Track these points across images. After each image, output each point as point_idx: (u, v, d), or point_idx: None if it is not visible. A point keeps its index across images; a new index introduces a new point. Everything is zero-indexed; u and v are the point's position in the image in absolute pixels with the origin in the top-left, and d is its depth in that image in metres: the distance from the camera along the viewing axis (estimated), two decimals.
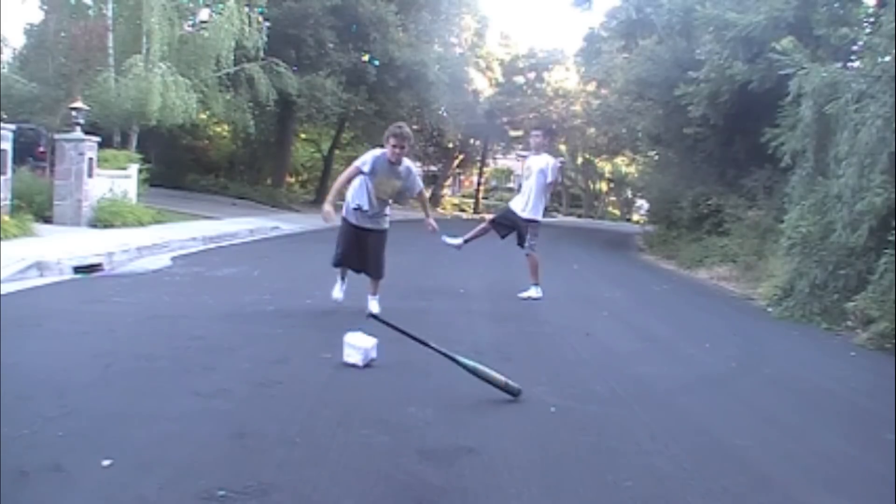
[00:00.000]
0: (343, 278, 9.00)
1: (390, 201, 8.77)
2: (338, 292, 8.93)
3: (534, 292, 11.19)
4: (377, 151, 8.42)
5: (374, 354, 6.31)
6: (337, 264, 8.87)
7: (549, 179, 11.22)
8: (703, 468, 4.58)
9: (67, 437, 4.14)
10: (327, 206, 8.34)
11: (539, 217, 11.36)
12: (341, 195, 8.62)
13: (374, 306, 8.35)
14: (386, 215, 8.77)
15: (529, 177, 11.39)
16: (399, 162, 8.33)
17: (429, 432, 4.80)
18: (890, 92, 10.90)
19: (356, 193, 8.49)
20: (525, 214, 11.28)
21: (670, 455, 4.74)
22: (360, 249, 8.64)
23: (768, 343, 9.92)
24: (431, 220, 9.21)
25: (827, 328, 11.07)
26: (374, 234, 8.63)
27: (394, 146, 8.17)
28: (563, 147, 61.06)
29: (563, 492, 4.02)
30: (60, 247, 11.40)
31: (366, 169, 8.28)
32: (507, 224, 11.58)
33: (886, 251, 10.22)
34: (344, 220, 8.69)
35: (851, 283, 11.25)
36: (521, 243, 11.44)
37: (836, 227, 11.44)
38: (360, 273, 8.85)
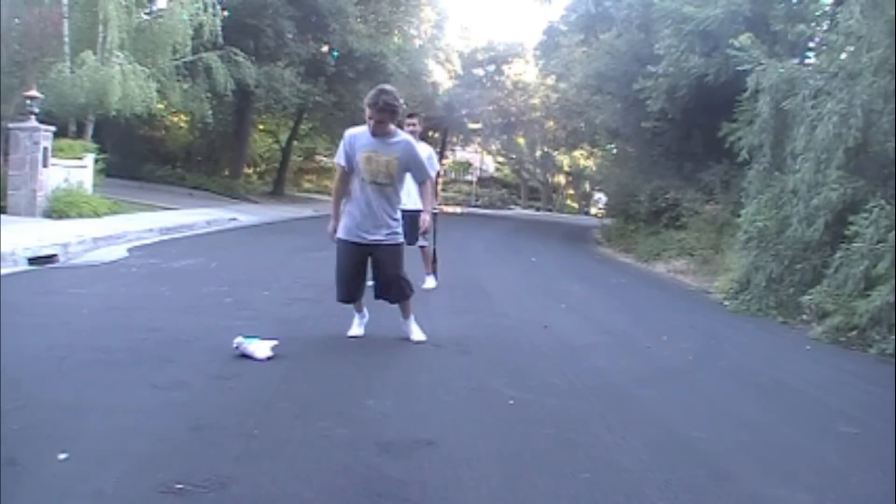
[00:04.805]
0: (361, 310, 7.21)
1: (395, 193, 6.88)
2: (356, 328, 7.15)
3: (430, 282, 10.93)
4: (355, 129, 6.74)
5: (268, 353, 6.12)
6: (342, 300, 6.99)
7: (436, 168, 10.82)
8: (660, 460, 4.60)
9: (23, 431, 4.08)
10: (330, 226, 6.84)
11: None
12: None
13: (417, 333, 7.23)
14: (394, 220, 6.86)
15: None
16: (390, 134, 6.61)
17: (387, 425, 4.79)
18: (846, 89, 11.05)
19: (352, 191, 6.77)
20: (411, 206, 10.74)
21: (628, 447, 4.77)
22: (373, 266, 6.90)
23: (725, 336, 10.00)
24: (425, 216, 7.31)
25: (782, 322, 11.22)
26: (385, 248, 6.79)
27: (370, 119, 6.49)
28: (521, 140, 61.34)
29: (522, 484, 4.03)
30: (15, 237, 11.24)
31: (343, 161, 6.68)
32: (408, 230, 11.01)
33: (842, 245, 10.35)
34: (339, 239, 6.81)
35: (807, 277, 11.40)
36: (410, 241, 10.94)
37: (792, 221, 11.59)
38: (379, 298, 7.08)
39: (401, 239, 6.91)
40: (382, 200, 6.73)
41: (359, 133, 6.63)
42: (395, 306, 7.21)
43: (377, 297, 7.02)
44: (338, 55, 32.27)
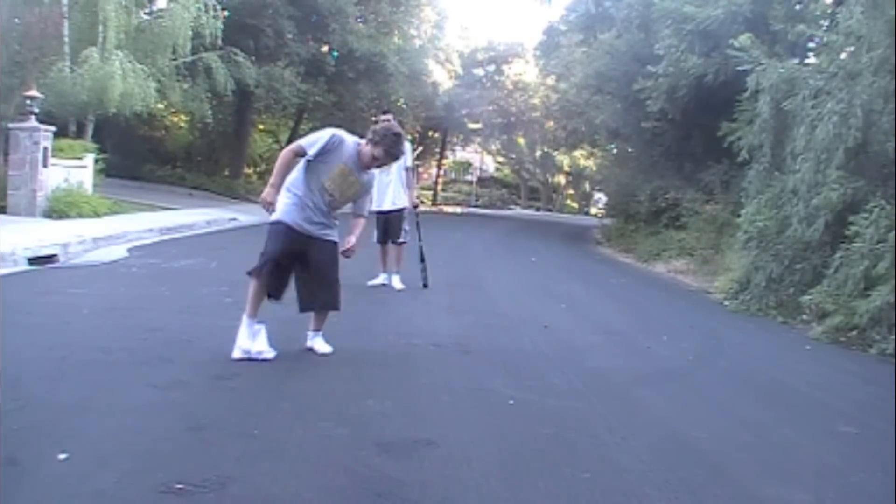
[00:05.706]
0: (254, 314, 6.26)
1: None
2: (245, 341, 6.12)
3: (397, 282, 10.74)
4: (349, 137, 6.24)
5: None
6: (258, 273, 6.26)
7: (408, 164, 10.73)
8: (660, 460, 4.61)
9: (23, 431, 4.08)
10: (268, 193, 6.00)
11: (407, 204, 10.77)
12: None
13: (321, 345, 6.47)
14: (332, 225, 6.31)
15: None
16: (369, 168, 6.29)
17: (388, 425, 4.80)
18: (846, 89, 11.05)
19: (304, 182, 6.17)
20: (388, 206, 10.55)
21: (628, 447, 4.77)
22: (300, 266, 6.29)
23: (725, 336, 9.99)
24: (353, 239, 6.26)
25: (782, 321, 11.21)
26: (320, 244, 6.22)
27: (375, 158, 6.10)
28: (521, 140, 61.32)
29: (522, 484, 4.03)
30: (15, 237, 11.22)
31: (312, 150, 6.05)
32: (381, 229, 10.72)
33: (842, 245, 10.35)
34: (279, 221, 6.14)
35: (807, 276, 11.40)
36: (394, 240, 10.72)
37: (792, 221, 11.59)
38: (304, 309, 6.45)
39: (336, 239, 6.30)
40: (330, 210, 6.23)
41: (348, 144, 6.15)
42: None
43: (303, 309, 6.40)
44: (338, 55, 32.27)
